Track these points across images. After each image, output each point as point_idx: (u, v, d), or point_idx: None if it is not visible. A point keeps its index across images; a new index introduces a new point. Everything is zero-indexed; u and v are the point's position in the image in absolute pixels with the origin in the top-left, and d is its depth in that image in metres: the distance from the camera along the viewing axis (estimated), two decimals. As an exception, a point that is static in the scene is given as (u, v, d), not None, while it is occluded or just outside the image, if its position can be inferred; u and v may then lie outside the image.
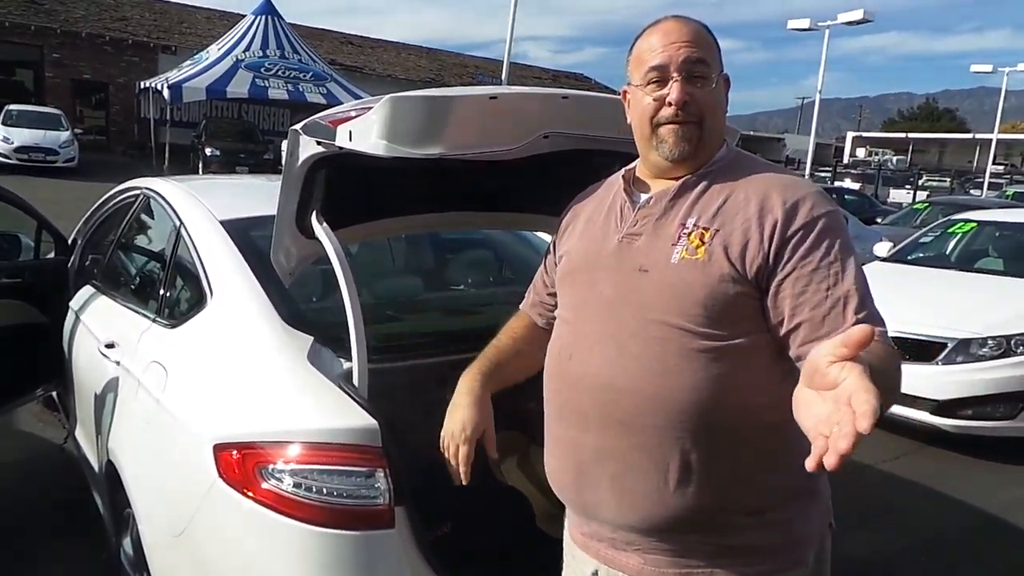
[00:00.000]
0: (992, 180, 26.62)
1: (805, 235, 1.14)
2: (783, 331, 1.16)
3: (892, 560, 3.10)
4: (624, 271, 1.24)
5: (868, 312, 1.12)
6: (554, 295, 1.45)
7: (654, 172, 1.30)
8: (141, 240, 2.99)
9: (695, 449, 1.17)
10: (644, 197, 1.29)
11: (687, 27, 1.24)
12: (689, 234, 1.19)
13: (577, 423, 1.27)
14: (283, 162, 1.85)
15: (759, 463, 1.20)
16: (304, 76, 19.33)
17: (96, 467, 2.49)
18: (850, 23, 18.73)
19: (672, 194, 1.25)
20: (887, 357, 1.04)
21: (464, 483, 1.47)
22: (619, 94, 1.38)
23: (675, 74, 1.21)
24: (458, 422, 1.47)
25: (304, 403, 1.67)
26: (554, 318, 1.44)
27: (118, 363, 2.26)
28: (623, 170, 1.37)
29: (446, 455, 1.47)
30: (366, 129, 1.49)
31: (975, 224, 6.20)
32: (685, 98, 1.21)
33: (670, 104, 1.22)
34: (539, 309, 1.54)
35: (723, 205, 1.20)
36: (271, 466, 1.57)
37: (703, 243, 1.17)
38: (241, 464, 1.60)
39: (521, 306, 1.61)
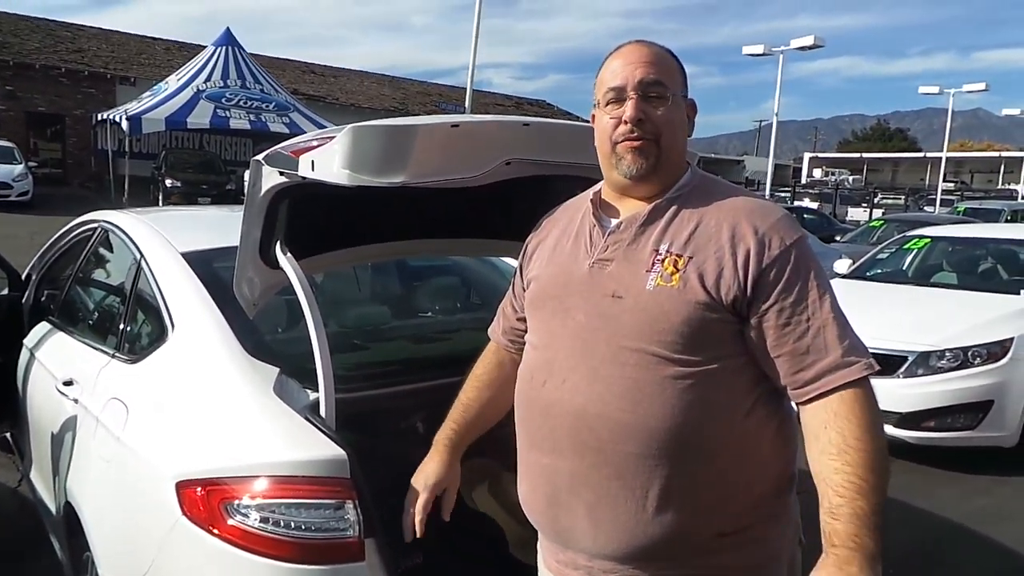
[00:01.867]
0: (944, 197, 27.50)
1: (783, 266, 1.18)
2: (767, 361, 1.19)
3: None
4: (596, 297, 1.24)
5: (849, 341, 1.17)
6: (524, 320, 1.45)
7: (618, 191, 1.32)
8: (100, 274, 2.93)
9: (672, 476, 1.17)
10: (614, 222, 1.30)
11: (646, 50, 1.28)
12: (663, 260, 1.21)
13: (550, 450, 1.26)
14: (245, 193, 1.84)
15: (734, 486, 1.21)
16: (266, 106, 19.23)
17: (53, 510, 2.41)
18: (802, 48, 19.33)
19: (643, 219, 1.26)
20: (869, 467, 1.10)
21: (418, 535, 1.49)
22: (582, 120, 1.41)
23: (631, 93, 1.24)
24: (423, 475, 1.52)
25: (270, 436, 1.65)
26: (524, 345, 1.44)
27: (76, 401, 2.20)
28: (589, 192, 1.38)
29: (407, 504, 1.50)
30: (328, 159, 1.49)
31: (929, 240, 6.39)
32: (639, 115, 1.24)
33: (625, 122, 1.24)
34: (510, 336, 1.53)
35: (695, 231, 1.22)
36: (237, 502, 1.54)
37: (677, 270, 1.19)
38: (206, 501, 1.57)
39: (490, 331, 1.60)
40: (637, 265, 1.22)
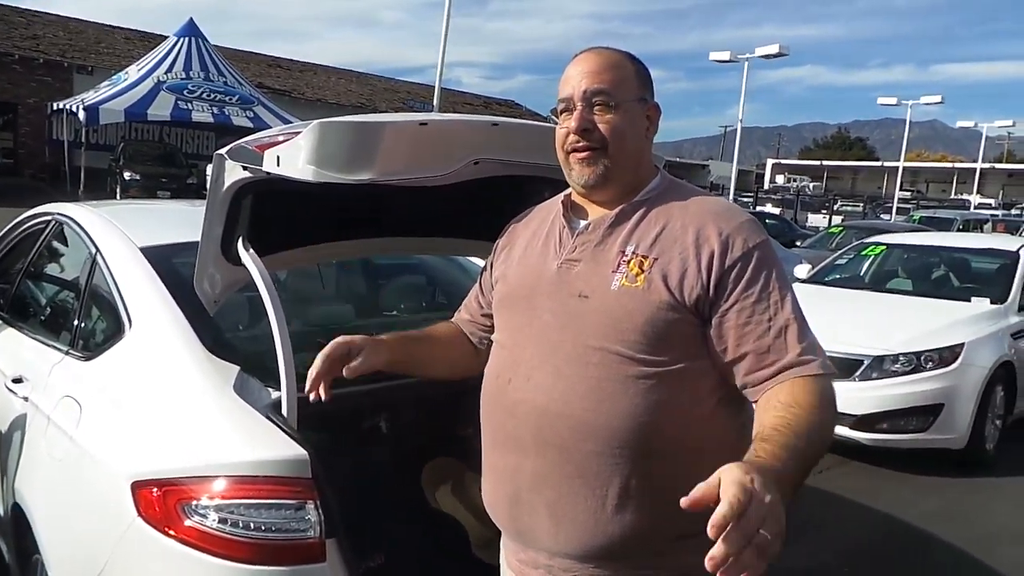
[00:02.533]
0: (900, 205, 28.26)
1: (744, 267, 1.19)
2: (727, 360, 1.20)
3: (817, 571, 3.20)
4: (563, 297, 1.25)
5: (809, 341, 1.18)
6: (490, 316, 1.45)
7: (581, 197, 1.33)
8: (53, 268, 2.85)
9: (632, 475, 1.18)
10: (583, 223, 1.31)
11: (597, 59, 1.28)
12: (628, 261, 1.21)
13: (514, 448, 1.26)
14: (208, 187, 1.80)
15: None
16: (230, 99, 18.87)
17: (1, 510, 2.33)
18: (767, 56, 19.69)
19: (610, 221, 1.27)
20: (811, 426, 1.07)
21: (306, 391, 1.37)
22: (550, 121, 1.42)
23: (577, 104, 1.25)
24: (336, 344, 1.39)
25: (229, 435, 1.62)
26: (487, 339, 1.44)
27: (26, 399, 2.14)
28: (561, 195, 1.39)
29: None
30: (294, 154, 1.47)
31: (885, 247, 6.55)
32: (583, 125, 1.25)
33: (571, 132, 1.26)
34: (471, 328, 1.53)
35: (661, 233, 1.23)
36: (195, 502, 1.51)
37: (642, 271, 1.20)
38: (162, 501, 1.53)
39: (454, 318, 1.59)
40: (603, 266, 1.23)
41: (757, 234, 1.23)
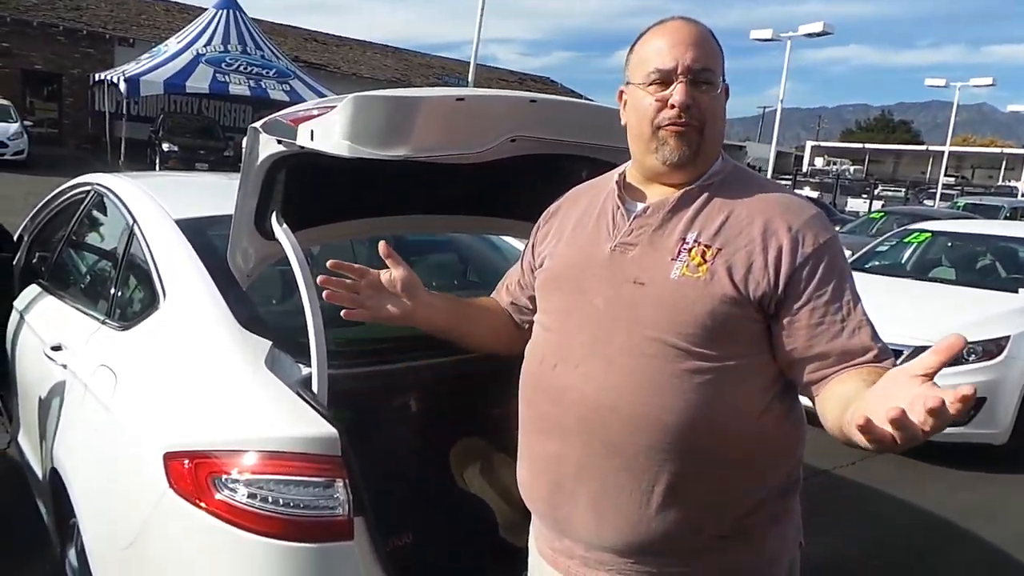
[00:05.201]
0: (944, 191, 27.47)
1: (816, 265, 1.14)
2: (795, 358, 1.15)
3: (852, 563, 3.15)
4: (617, 282, 1.20)
5: (882, 343, 1.15)
6: (532, 298, 1.41)
7: (648, 176, 1.26)
8: (92, 238, 2.89)
9: (681, 471, 1.14)
10: (640, 206, 1.25)
11: (694, 29, 1.21)
12: (690, 250, 1.16)
13: (557, 436, 1.23)
14: (242, 161, 1.79)
15: (742, 486, 1.19)
16: (267, 72, 18.98)
17: (40, 474, 2.39)
18: (810, 35, 19.15)
19: (671, 205, 1.21)
20: None
21: (325, 295, 1.39)
22: (585, 98, 1.37)
23: (680, 76, 1.18)
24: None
25: (261, 410, 1.62)
26: (529, 321, 1.40)
27: (65, 366, 2.17)
28: (614, 174, 1.33)
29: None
30: (328, 128, 1.45)
31: (929, 234, 6.36)
32: (688, 101, 1.18)
33: (672, 106, 1.18)
34: (512, 309, 1.50)
35: (725, 223, 1.18)
36: (225, 476, 1.51)
37: (705, 261, 1.15)
38: (193, 474, 1.54)
39: (492, 295, 1.56)
40: (662, 252, 1.18)
41: (826, 230, 1.18)
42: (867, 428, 0.86)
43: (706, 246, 1.16)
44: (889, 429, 0.84)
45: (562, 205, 1.41)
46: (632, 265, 1.20)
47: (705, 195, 1.21)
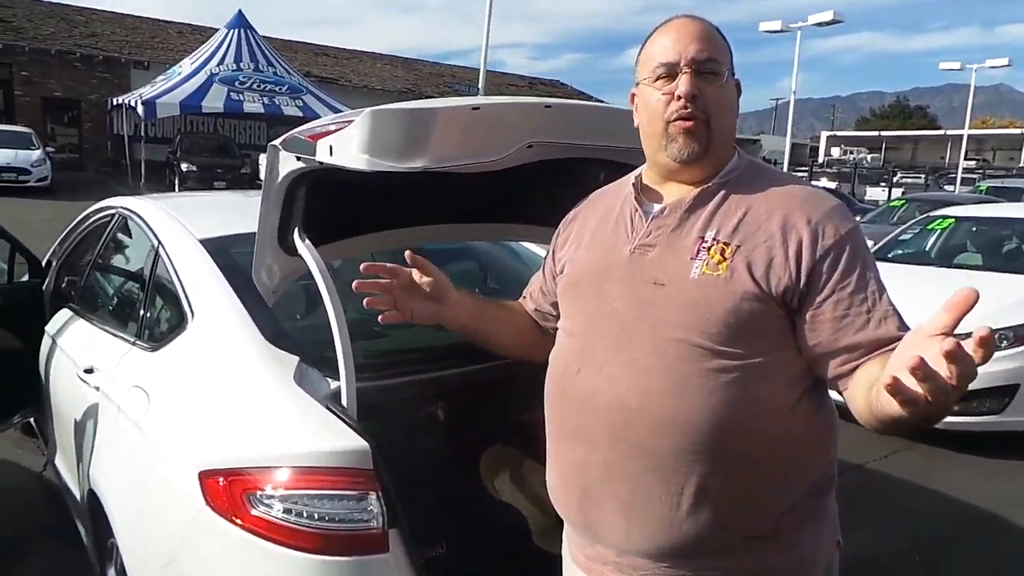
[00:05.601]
0: (964, 175, 27.05)
1: (838, 256, 1.13)
2: (821, 352, 1.14)
3: (890, 557, 3.11)
4: (637, 284, 1.19)
5: (908, 332, 1.11)
6: (556, 305, 1.41)
7: (663, 175, 1.26)
8: (118, 261, 2.93)
9: (710, 472, 1.13)
10: (657, 207, 1.24)
11: (699, 25, 1.22)
12: (709, 248, 1.15)
13: (584, 441, 1.22)
14: (262, 179, 1.81)
15: (773, 485, 1.17)
16: (279, 89, 19.19)
17: (78, 495, 2.42)
18: (820, 24, 18.98)
19: (688, 204, 1.21)
20: None
21: (365, 302, 1.41)
22: (596, 100, 1.36)
23: (684, 68, 1.18)
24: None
25: (291, 426, 1.63)
26: (554, 327, 1.40)
27: (98, 388, 2.21)
28: (631, 177, 1.33)
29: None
30: (347, 143, 1.46)
31: (953, 220, 6.27)
32: (694, 91, 1.17)
33: (678, 98, 1.18)
34: (537, 316, 1.50)
35: (743, 219, 1.17)
36: (260, 492, 1.53)
37: (724, 258, 1.14)
38: (228, 491, 1.56)
39: (518, 301, 1.57)
40: (681, 252, 1.17)
41: (847, 221, 1.16)
42: (895, 388, 0.85)
43: (725, 243, 1.15)
44: (915, 385, 0.83)
45: (581, 210, 1.41)
46: (652, 266, 1.19)
47: (722, 192, 1.20)
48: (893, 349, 1.08)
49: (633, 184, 1.29)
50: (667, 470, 1.14)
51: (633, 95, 1.29)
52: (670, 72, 1.19)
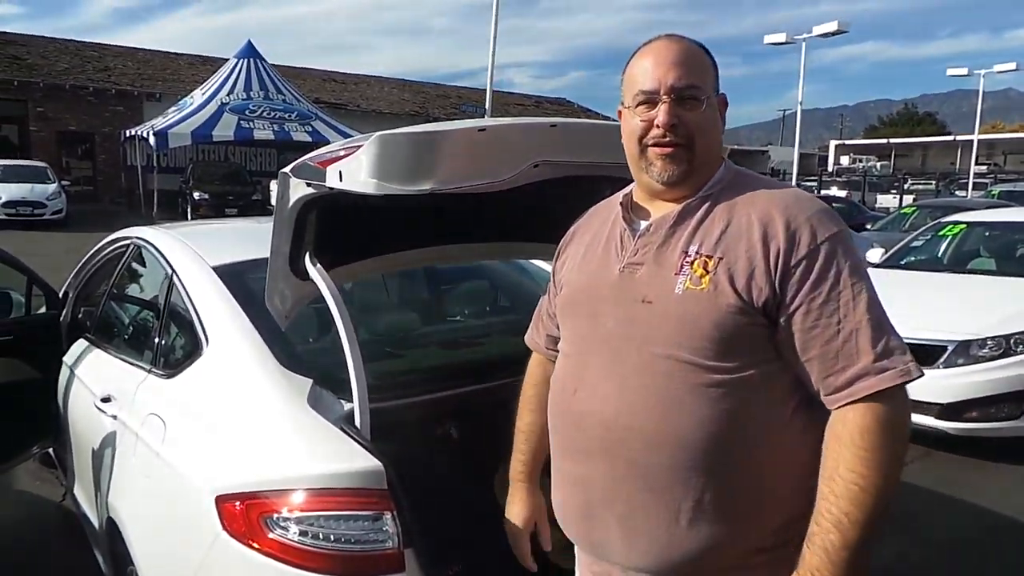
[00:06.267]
0: (976, 180, 26.86)
1: (810, 265, 1.11)
2: (797, 366, 1.14)
3: (913, 568, 3.06)
4: (626, 303, 1.20)
5: (885, 344, 1.10)
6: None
7: (649, 194, 1.27)
8: (133, 290, 2.97)
9: (707, 488, 1.13)
10: (644, 224, 1.25)
11: (678, 47, 1.21)
12: (692, 263, 1.15)
13: (583, 460, 1.23)
14: (274, 205, 1.84)
15: (773, 499, 1.17)
16: (289, 116, 19.43)
17: (96, 524, 2.44)
18: (825, 35, 19.01)
19: (672, 220, 1.21)
20: (863, 490, 1.07)
21: (533, 569, 1.56)
22: (602, 116, 1.38)
23: (664, 96, 1.19)
24: (511, 519, 1.56)
25: (306, 448, 1.65)
26: None
27: (115, 417, 2.23)
28: (620, 195, 1.34)
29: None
30: (356, 168, 1.49)
31: (964, 225, 6.23)
32: (672, 120, 1.19)
33: (658, 126, 1.19)
34: (550, 345, 1.49)
35: (726, 230, 1.17)
36: (276, 515, 1.54)
37: (707, 272, 1.14)
38: (245, 515, 1.57)
39: (528, 340, 1.57)
40: (666, 268, 1.18)
41: (828, 225, 1.14)
42: None
43: (707, 257, 1.15)
44: None
45: (576, 230, 1.42)
46: (640, 284, 1.20)
47: (706, 205, 1.20)
48: (864, 372, 1.08)
49: (622, 203, 1.30)
50: (663, 488, 1.14)
51: (620, 112, 1.30)
52: (650, 100, 1.20)
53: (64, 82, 21.66)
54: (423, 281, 3.16)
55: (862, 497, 1.06)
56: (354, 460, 1.56)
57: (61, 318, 3.11)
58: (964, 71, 26.32)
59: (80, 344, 2.88)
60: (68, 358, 2.89)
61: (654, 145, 1.21)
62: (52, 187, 16.79)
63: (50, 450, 3.27)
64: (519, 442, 1.55)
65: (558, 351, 1.43)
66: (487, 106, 15.98)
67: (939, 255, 6.10)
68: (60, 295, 3.24)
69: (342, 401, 1.75)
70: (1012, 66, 25.30)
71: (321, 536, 1.50)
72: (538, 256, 2.51)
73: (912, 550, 3.18)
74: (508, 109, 27.13)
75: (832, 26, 18.64)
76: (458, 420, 2.19)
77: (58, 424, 2.90)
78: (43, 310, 3.18)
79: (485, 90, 16.31)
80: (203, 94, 19.50)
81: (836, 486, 1.07)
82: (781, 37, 19.71)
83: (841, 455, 1.08)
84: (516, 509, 1.54)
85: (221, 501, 1.61)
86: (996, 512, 3.58)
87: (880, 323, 1.11)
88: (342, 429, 1.64)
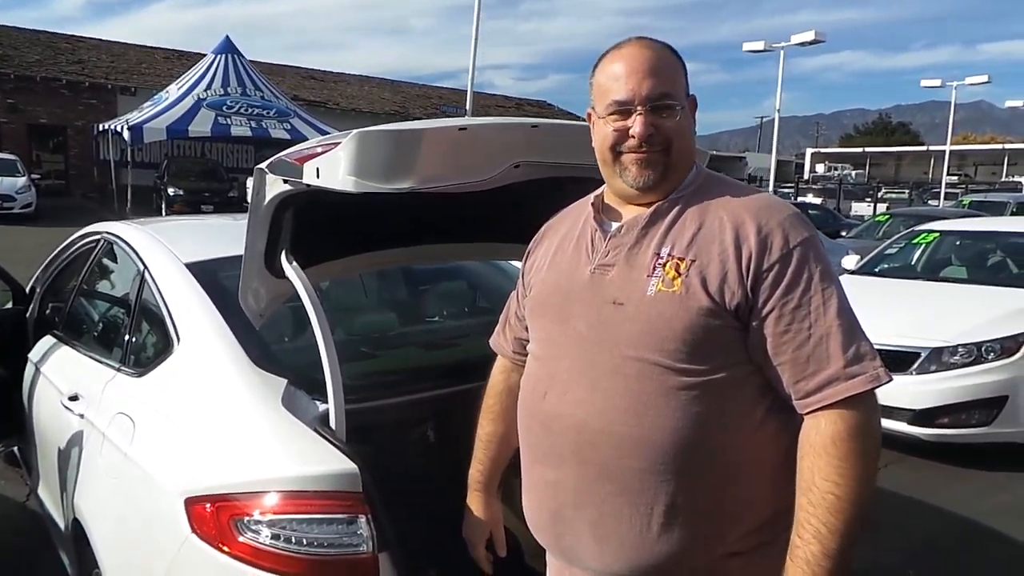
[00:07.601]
0: (948, 190, 27.39)
1: (783, 270, 1.11)
2: (769, 370, 1.13)
3: (883, 572, 3.09)
4: (597, 304, 1.19)
5: (856, 350, 1.10)
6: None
7: (622, 198, 1.26)
8: (103, 286, 2.91)
9: (678, 492, 1.12)
10: (615, 226, 1.24)
11: (649, 53, 1.20)
12: (664, 264, 1.15)
13: (553, 464, 1.22)
14: (249, 201, 1.81)
15: (746, 502, 1.16)
16: (267, 112, 19.23)
17: (62, 525, 2.38)
18: (803, 44, 19.28)
19: (644, 222, 1.21)
20: (839, 498, 1.07)
21: (488, 573, 1.58)
22: (583, 119, 1.37)
23: (639, 107, 1.18)
24: (468, 528, 1.59)
25: (279, 450, 1.61)
26: None
27: (82, 416, 2.17)
28: (591, 196, 1.33)
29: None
30: (334, 165, 1.46)
31: (937, 234, 6.33)
32: (649, 131, 1.18)
33: (633, 136, 1.19)
34: (517, 348, 1.47)
35: (698, 232, 1.16)
36: (247, 518, 1.50)
37: (679, 274, 1.13)
38: (215, 517, 1.53)
39: (493, 343, 1.55)
40: (638, 270, 1.17)
41: (800, 231, 1.15)
42: None
43: (680, 259, 1.14)
44: None
45: (546, 232, 1.41)
46: (610, 286, 1.19)
47: (678, 207, 1.20)
48: (834, 378, 1.08)
49: (593, 204, 1.29)
50: (634, 492, 1.14)
51: (590, 115, 1.29)
52: (624, 110, 1.19)
53: (36, 73, 21.25)
54: (401, 281, 3.13)
55: (839, 505, 1.06)
56: (329, 462, 1.53)
57: (27, 314, 3.04)
58: (937, 83, 26.83)
59: (47, 341, 2.81)
60: (34, 355, 2.82)
61: (630, 152, 1.20)
62: (21, 180, 16.45)
63: (15, 449, 3.20)
64: (478, 450, 1.56)
65: (525, 356, 1.41)
66: (468, 107, 15.94)
67: (912, 263, 6.20)
68: (27, 290, 3.17)
69: (317, 402, 1.72)
70: (984, 78, 25.84)
71: (294, 540, 1.47)
72: (517, 258, 2.49)
73: (887, 555, 3.21)
74: (489, 111, 27.10)
75: (809, 35, 18.91)
76: (435, 422, 2.17)
77: (23, 422, 2.83)
78: (9, 305, 3.10)
79: (466, 91, 16.28)
80: (179, 89, 19.22)
81: (813, 496, 1.07)
82: (760, 45, 19.93)
83: (816, 465, 1.08)
84: (473, 517, 1.56)
85: (191, 503, 1.58)
86: (967, 517, 3.63)
87: (851, 328, 1.11)
88: (316, 430, 1.61)
